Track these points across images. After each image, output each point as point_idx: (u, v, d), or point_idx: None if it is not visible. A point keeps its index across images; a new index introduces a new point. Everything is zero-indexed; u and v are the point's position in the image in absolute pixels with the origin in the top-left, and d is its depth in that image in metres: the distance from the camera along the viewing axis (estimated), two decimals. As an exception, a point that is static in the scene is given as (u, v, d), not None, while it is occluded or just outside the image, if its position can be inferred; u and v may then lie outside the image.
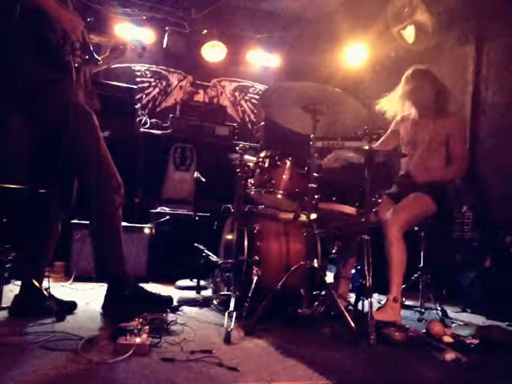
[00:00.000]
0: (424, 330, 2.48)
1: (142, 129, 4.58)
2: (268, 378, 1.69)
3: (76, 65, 2.18)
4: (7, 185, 2.31)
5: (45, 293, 2.32)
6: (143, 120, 4.68)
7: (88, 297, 2.79)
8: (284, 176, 2.78)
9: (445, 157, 3.02)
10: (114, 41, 2.67)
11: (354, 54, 5.11)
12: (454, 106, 3.20)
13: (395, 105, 3.19)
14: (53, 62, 2.19)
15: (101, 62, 2.50)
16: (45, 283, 2.40)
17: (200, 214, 3.80)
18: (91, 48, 2.26)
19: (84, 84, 2.41)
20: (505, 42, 3.91)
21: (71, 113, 2.13)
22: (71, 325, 2.18)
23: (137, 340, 1.86)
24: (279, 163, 2.79)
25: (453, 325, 2.78)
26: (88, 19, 2.28)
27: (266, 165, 2.81)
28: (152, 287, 2.73)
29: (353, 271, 3.25)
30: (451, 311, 3.19)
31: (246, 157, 2.86)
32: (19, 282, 2.41)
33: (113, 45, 2.64)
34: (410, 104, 3.14)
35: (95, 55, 2.30)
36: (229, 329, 2.15)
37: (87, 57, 2.23)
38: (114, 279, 2.45)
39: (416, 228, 3.10)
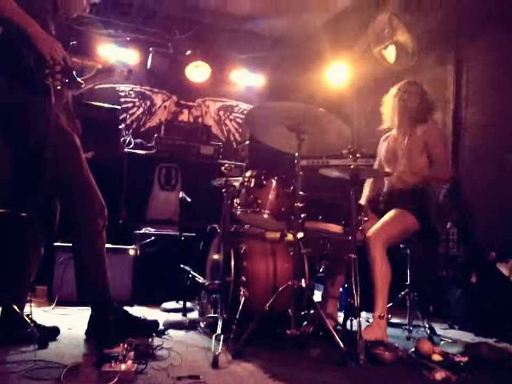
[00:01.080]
0: (413, 349, 2.46)
1: (126, 150, 4.55)
2: (257, 404, 1.65)
3: (58, 87, 2.16)
4: (-13, 209, 2.26)
5: (27, 319, 2.26)
6: (127, 140, 4.66)
7: (71, 323, 2.72)
8: (269, 196, 2.77)
9: (426, 163, 3.03)
10: (99, 64, 2.66)
11: (337, 74, 5.19)
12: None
13: (387, 112, 3.22)
14: (31, 84, 2.16)
15: (84, 85, 2.48)
16: (27, 308, 2.33)
17: (186, 234, 3.76)
18: (73, 71, 2.24)
19: (65, 107, 2.38)
20: (484, 61, 4.01)
21: (50, 135, 2.10)
22: (54, 352, 2.12)
23: (122, 366, 1.81)
24: (264, 182, 2.79)
25: (442, 342, 2.78)
26: (71, 42, 2.26)
27: (252, 184, 2.80)
28: (137, 311, 2.68)
29: (340, 289, 3.24)
30: (439, 328, 3.19)
31: (231, 177, 2.85)
32: (0, 308, 2.34)
33: (99, 67, 2.64)
34: (396, 116, 3.16)
35: (78, 79, 2.28)
36: (217, 353, 2.11)
37: (67, 80, 2.20)
38: (98, 304, 2.39)
39: (402, 246, 3.11)
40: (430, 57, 4.49)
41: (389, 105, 3.19)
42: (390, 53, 4.58)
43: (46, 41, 2.13)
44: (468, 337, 3.08)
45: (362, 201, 3.23)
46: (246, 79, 5.61)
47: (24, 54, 2.13)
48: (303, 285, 2.54)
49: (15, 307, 2.23)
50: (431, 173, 3.00)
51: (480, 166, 3.92)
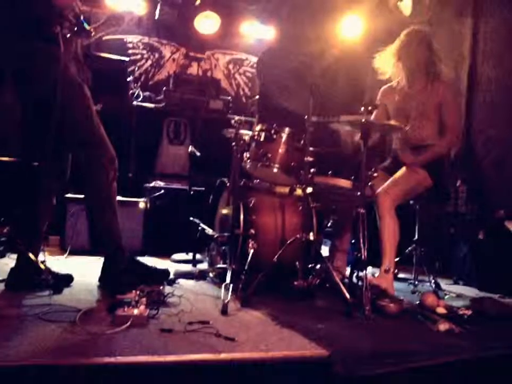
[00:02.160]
0: (418, 302, 2.51)
1: (135, 103, 4.51)
2: (265, 348, 1.71)
3: (67, 35, 2.12)
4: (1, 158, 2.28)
5: (41, 265, 2.32)
6: (136, 93, 4.60)
7: (84, 271, 2.79)
8: (279, 150, 2.76)
9: (438, 126, 2.98)
10: (108, 12, 2.59)
11: (351, 26, 5.02)
12: (447, 77, 3.14)
13: (388, 64, 3.08)
14: (40, 33, 2.13)
15: (94, 33, 2.44)
16: (41, 256, 2.39)
17: (195, 188, 3.78)
18: (82, 20, 2.19)
19: (74, 56, 2.35)
20: (503, 16, 3.86)
21: (60, 84, 2.08)
22: (68, 298, 2.19)
23: (135, 311, 1.88)
24: (274, 137, 2.77)
25: (446, 296, 2.83)
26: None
27: (262, 138, 2.78)
28: (148, 260, 2.73)
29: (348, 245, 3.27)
30: (444, 284, 3.24)
31: (241, 131, 2.83)
32: (15, 256, 2.40)
33: (108, 15, 2.58)
34: (400, 68, 3.04)
35: (87, 27, 2.23)
36: (226, 301, 2.17)
37: (76, 29, 2.17)
38: (111, 252, 2.44)
39: (411, 202, 3.11)
40: (447, 10, 4.33)
41: (391, 56, 3.03)
42: (406, 5, 4.43)
43: None
44: (472, 292, 3.13)
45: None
46: (256, 31, 5.44)
47: (31, 2, 2.08)
48: (311, 238, 2.57)
49: (30, 254, 2.28)
50: (439, 145, 2.92)
51: (494, 123, 3.86)
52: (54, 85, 2.09)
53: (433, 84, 2.97)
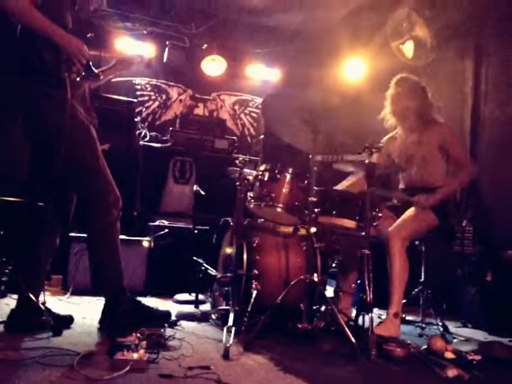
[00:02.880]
0: (425, 346, 2.44)
1: (141, 142, 4.58)
2: (267, 396, 1.66)
3: (77, 79, 2.19)
4: (4, 198, 2.29)
5: (42, 307, 2.30)
6: (143, 133, 4.68)
7: (86, 312, 2.76)
8: (283, 190, 2.77)
9: (443, 168, 2.99)
10: (116, 55, 2.67)
11: (354, 69, 5.15)
12: (449, 117, 3.17)
13: (387, 113, 3.16)
14: (47, 78, 2.20)
15: (102, 76, 2.50)
16: (42, 297, 2.37)
17: (199, 227, 3.78)
18: (91, 64, 2.26)
19: (82, 99, 2.41)
20: (504, 57, 3.93)
21: (67, 127, 2.13)
22: (68, 340, 2.15)
23: (135, 355, 1.84)
24: (278, 176, 2.79)
25: (454, 340, 2.75)
26: (88, 35, 2.29)
27: (266, 178, 2.80)
28: (150, 302, 2.69)
29: (354, 285, 3.22)
30: (452, 326, 3.16)
31: (246, 170, 2.85)
32: (16, 296, 2.38)
33: (117, 59, 2.65)
34: (395, 119, 3.11)
35: (95, 70, 2.30)
36: (228, 345, 2.12)
37: (83, 73, 2.24)
38: (112, 294, 2.42)
39: (416, 242, 3.08)
40: (448, 52, 4.42)
41: (387, 105, 3.11)
42: (408, 48, 4.53)
43: (71, 44, 2.18)
44: (481, 336, 3.05)
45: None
46: (262, 74, 5.59)
47: (41, 49, 2.16)
48: (316, 279, 2.53)
49: (31, 295, 2.26)
50: (453, 183, 2.94)
51: (498, 163, 3.86)
52: (60, 128, 2.13)
53: (429, 128, 3.00)
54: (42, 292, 2.38)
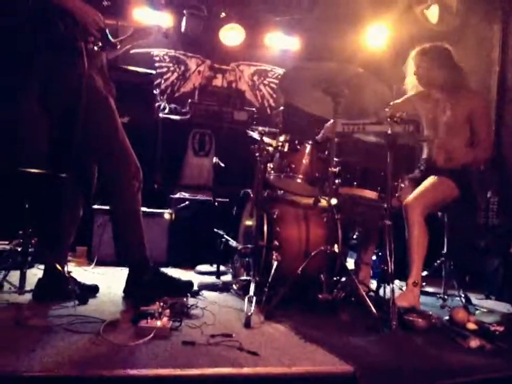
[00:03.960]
0: (447, 317, 2.44)
1: (160, 115, 4.57)
2: (288, 363, 1.68)
3: (94, 48, 2.18)
4: (28, 170, 2.33)
5: (68, 276, 2.35)
6: (162, 106, 4.66)
7: (110, 281, 2.82)
8: (303, 161, 2.74)
9: (467, 139, 2.90)
10: (134, 24, 2.63)
11: (376, 35, 4.99)
12: (475, 85, 3.06)
13: (413, 81, 3.07)
14: (65, 47, 2.19)
15: (120, 46, 2.48)
16: (67, 267, 2.43)
17: (220, 199, 3.79)
18: (107, 33, 2.24)
19: (100, 70, 2.40)
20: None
21: (84, 97, 2.13)
22: (93, 308, 2.21)
23: (158, 323, 1.88)
24: (298, 147, 2.76)
25: (477, 312, 2.74)
26: (105, 3, 2.26)
27: (286, 149, 2.77)
28: (172, 272, 2.74)
29: (374, 257, 3.21)
30: (475, 298, 3.12)
31: (266, 140, 2.82)
32: (42, 266, 2.44)
33: (134, 28, 2.62)
34: (428, 85, 3.01)
35: (112, 40, 2.28)
36: (249, 314, 2.15)
37: (100, 43, 2.22)
38: (135, 264, 2.46)
39: (439, 213, 3.03)
40: (475, 17, 4.25)
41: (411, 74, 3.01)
42: (433, 13, 4.37)
43: (87, 13, 2.16)
44: (504, 307, 3.02)
45: None
46: (281, 43, 5.47)
47: (54, 19, 2.14)
48: (336, 250, 2.53)
49: (57, 265, 2.32)
50: (465, 157, 2.85)
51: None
52: (78, 98, 2.13)
53: (462, 96, 2.90)
54: (68, 262, 2.43)
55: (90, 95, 2.19)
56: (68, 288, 2.26)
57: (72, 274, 2.45)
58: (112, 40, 2.29)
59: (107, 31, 2.23)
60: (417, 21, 4.42)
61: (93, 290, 2.47)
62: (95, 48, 2.20)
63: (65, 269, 2.40)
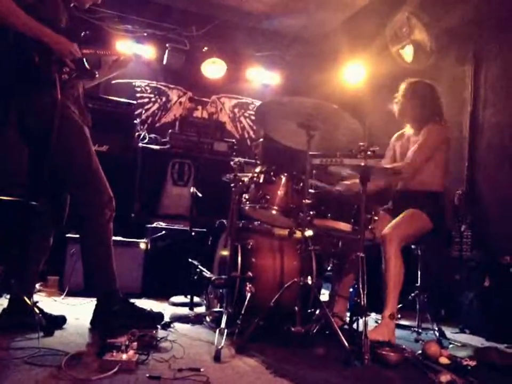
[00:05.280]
0: (420, 351, 2.42)
1: (140, 144, 4.58)
2: (256, 398, 1.64)
3: (68, 78, 2.19)
4: (1, 198, 2.29)
5: (34, 307, 2.28)
6: (142, 135, 4.68)
7: (79, 312, 2.75)
8: (278, 192, 2.75)
9: (434, 169, 2.97)
10: (113, 53, 2.64)
11: (353, 73, 5.14)
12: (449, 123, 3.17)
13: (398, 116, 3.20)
14: (36, 78, 2.20)
15: (98, 75, 2.49)
16: (35, 297, 2.36)
17: (197, 229, 3.77)
18: (85, 62, 2.26)
19: (76, 98, 2.40)
20: (503, 62, 3.92)
21: (56, 125, 2.13)
22: (59, 340, 2.14)
23: (124, 356, 1.82)
24: (274, 178, 2.77)
25: (450, 346, 2.72)
26: (83, 33, 2.28)
27: (261, 180, 2.78)
28: (145, 303, 2.69)
29: (351, 289, 3.20)
30: (449, 332, 3.13)
31: (241, 173, 2.83)
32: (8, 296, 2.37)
33: (114, 57, 2.64)
34: (402, 116, 3.14)
35: (89, 69, 2.30)
36: (219, 347, 2.10)
37: (73, 75, 2.24)
38: (104, 294, 2.41)
39: (413, 246, 3.06)
40: (448, 56, 4.41)
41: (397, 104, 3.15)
42: (408, 53, 4.53)
43: (62, 45, 2.19)
44: (478, 341, 3.01)
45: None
46: (262, 77, 5.60)
47: (27, 49, 2.16)
48: (309, 282, 2.51)
49: (23, 295, 2.25)
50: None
51: (497, 169, 3.84)
52: (51, 126, 2.13)
53: (427, 128, 3.00)
54: (33, 292, 2.36)
55: (64, 124, 2.20)
56: (33, 319, 2.19)
57: (39, 304, 2.38)
58: (90, 69, 2.31)
59: (84, 60, 2.25)
60: (393, 60, 4.57)
61: (60, 321, 2.40)
62: (69, 78, 2.21)
63: (32, 299, 2.33)
